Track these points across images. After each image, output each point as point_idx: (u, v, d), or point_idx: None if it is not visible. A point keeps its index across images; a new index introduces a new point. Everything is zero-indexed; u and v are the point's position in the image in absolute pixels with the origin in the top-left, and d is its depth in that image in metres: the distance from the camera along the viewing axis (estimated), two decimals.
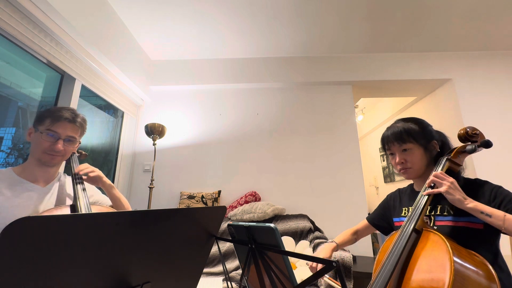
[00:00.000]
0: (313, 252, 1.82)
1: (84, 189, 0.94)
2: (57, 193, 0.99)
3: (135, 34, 2.44)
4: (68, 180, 1.07)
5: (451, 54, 2.77)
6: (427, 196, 0.81)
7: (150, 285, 0.52)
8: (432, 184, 0.81)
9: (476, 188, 0.83)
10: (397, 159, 0.93)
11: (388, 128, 0.98)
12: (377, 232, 3.31)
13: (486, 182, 0.84)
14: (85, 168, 1.02)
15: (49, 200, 0.96)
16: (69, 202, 1.01)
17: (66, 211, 0.88)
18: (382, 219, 1.10)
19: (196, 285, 0.67)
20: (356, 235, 1.15)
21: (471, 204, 0.73)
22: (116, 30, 2.16)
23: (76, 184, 0.94)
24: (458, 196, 0.75)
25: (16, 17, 1.40)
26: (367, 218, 1.16)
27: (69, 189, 1.04)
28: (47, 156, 0.93)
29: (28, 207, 0.88)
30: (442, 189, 0.77)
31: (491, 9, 2.18)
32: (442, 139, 0.96)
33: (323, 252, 1.05)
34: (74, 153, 1.09)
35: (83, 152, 1.15)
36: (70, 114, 0.97)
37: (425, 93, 3.05)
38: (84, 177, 1.00)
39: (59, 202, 0.99)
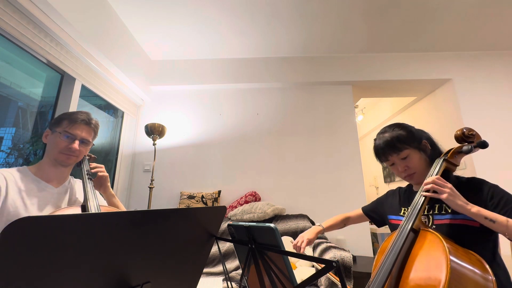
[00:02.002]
0: (313, 252, 1.82)
1: (94, 191, 0.97)
2: (69, 195, 1.03)
3: (135, 34, 2.44)
4: (78, 183, 1.11)
5: (451, 54, 2.77)
6: (424, 196, 0.81)
7: (150, 285, 0.52)
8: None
9: (472, 188, 0.84)
10: (400, 168, 0.94)
11: (378, 139, 0.98)
12: (377, 232, 3.31)
13: (482, 181, 0.85)
14: (99, 166, 1.09)
15: (62, 200, 0.99)
16: (78, 203, 1.04)
17: (77, 211, 0.91)
18: (376, 213, 1.14)
19: (196, 285, 0.67)
20: (346, 221, 1.20)
21: (474, 209, 0.73)
22: (116, 30, 2.16)
23: (87, 186, 0.97)
24: (459, 202, 0.75)
25: (16, 17, 1.40)
26: (363, 208, 1.20)
27: (78, 191, 1.08)
28: (63, 156, 0.97)
29: (42, 205, 0.91)
30: (443, 196, 0.76)
31: (491, 9, 2.18)
32: (427, 136, 0.98)
33: (307, 234, 1.09)
34: (85, 155, 1.12)
35: (92, 155, 1.19)
36: (86, 116, 1.03)
37: (425, 93, 3.05)
38: (93, 178, 1.05)
39: (70, 203, 1.02)
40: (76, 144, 0.97)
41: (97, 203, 0.92)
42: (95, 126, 1.06)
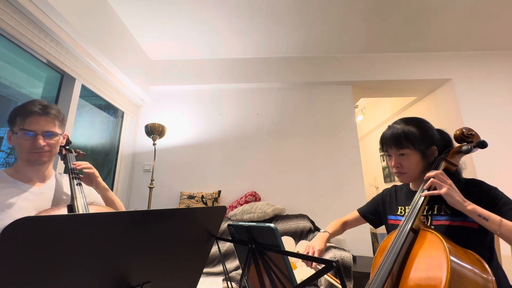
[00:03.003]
0: None
1: (81, 189, 0.91)
2: (53, 193, 0.97)
3: (135, 34, 2.44)
4: (65, 179, 1.05)
5: (451, 54, 2.77)
6: (424, 196, 0.81)
7: (150, 285, 0.52)
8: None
9: (472, 189, 0.84)
10: (393, 163, 0.92)
11: (388, 128, 0.95)
12: (377, 232, 3.30)
13: (481, 183, 0.85)
14: (82, 163, 1.01)
15: (45, 200, 0.93)
16: (66, 202, 0.99)
17: (64, 211, 0.86)
18: (373, 214, 1.11)
19: (196, 285, 0.67)
20: (344, 226, 1.16)
21: (470, 206, 0.74)
22: (116, 30, 2.16)
23: (74, 184, 0.91)
24: (457, 198, 0.75)
25: (16, 17, 1.40)
26: (359, 210, 1.16)
27: (66, 188, 1.02)
28: (34, 155, 0.90)
29: (24, 208, 0.85)
30: (442, 191, 0.77)
31: (491, 9, 2.18)
32: (444, 142, 0.94)
33: (317, 244, 1.01)
34: (72, 152, 1.07)
35: (81, 152, 1.13)
36: (39, 107, 0.90)
37: (425, 93, 3.05)
38: (80, 175, 0.99)
39: (56, 202, 0.96)
40: (40, 140, 0.88)
41: (84, 202, 0.86)
42: (55, 115, 0.93)
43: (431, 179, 0.80)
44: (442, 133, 0.96)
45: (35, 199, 0.90)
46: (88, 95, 2.17)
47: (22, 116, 0.88)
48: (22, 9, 1.40)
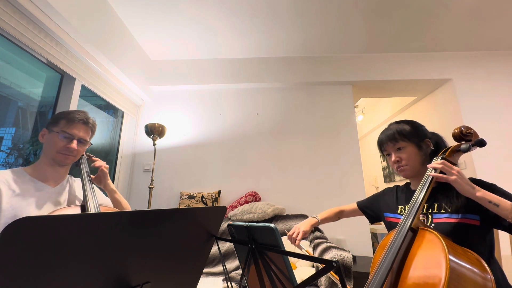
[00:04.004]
0: (313, 251, 1.82)
1: (93, 191, 0.98)
2: (67, 194, 1.03)
3: (135, 34, 2.44)
4: (77, 182, 1.11)
5: (451, 54, 2.77)
6: (424, 193, 0.80)
7: (150, 285, 0.52)
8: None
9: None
10: (393, 158, 0.97)
11: (382, 132, 1.02)
12: (377, 232, 3.30)
13: (480, 180, 0.85)
14: (100, 161, 1.12)
15: (60, 199, 0.99)
16: (77, 203, 1.05)
17: (77, 210, 0.91)
18: (371, 209, 1.16)
19: (196, 285, 0.67)
20: (340, 215, 1.23)
21: (479, 193, 0.73)
22: (116, 30, 2.16)
23: (86, 185, 0.98)
24: (466, 185, 0.75)
25: (16, 17, 1.40)
26: (358, 203, 1.22)
27: (78, 190, 1.08)
28: (61, 156, 0.97)
29: (40, 206, 0.91)
30: (452, 178, 0.76)
31: (491, 9, 2.18)
32: (436, 138, 0.99)
33: (303, 226, 1.09)
34: (83, 155, 1.13)
35: (91, 155, 1.19)
36: (84, 116, 1.03)
37: (425, 93, 3.05)
38: (91, 176, 1.06)
39: (69, 203, 1.02)
40: (74, 144, 0.97)
41: (97, 203, 0.92)
42: (92, 125, 1.06)
43: (441, 165, 0.79)
44: (433, 133, 1.02)
45: (51, 198, 0.96)
46: (88, 95, 2.17)
47: (68, 121, 0.98)
48: (22, 9, 1.40)
